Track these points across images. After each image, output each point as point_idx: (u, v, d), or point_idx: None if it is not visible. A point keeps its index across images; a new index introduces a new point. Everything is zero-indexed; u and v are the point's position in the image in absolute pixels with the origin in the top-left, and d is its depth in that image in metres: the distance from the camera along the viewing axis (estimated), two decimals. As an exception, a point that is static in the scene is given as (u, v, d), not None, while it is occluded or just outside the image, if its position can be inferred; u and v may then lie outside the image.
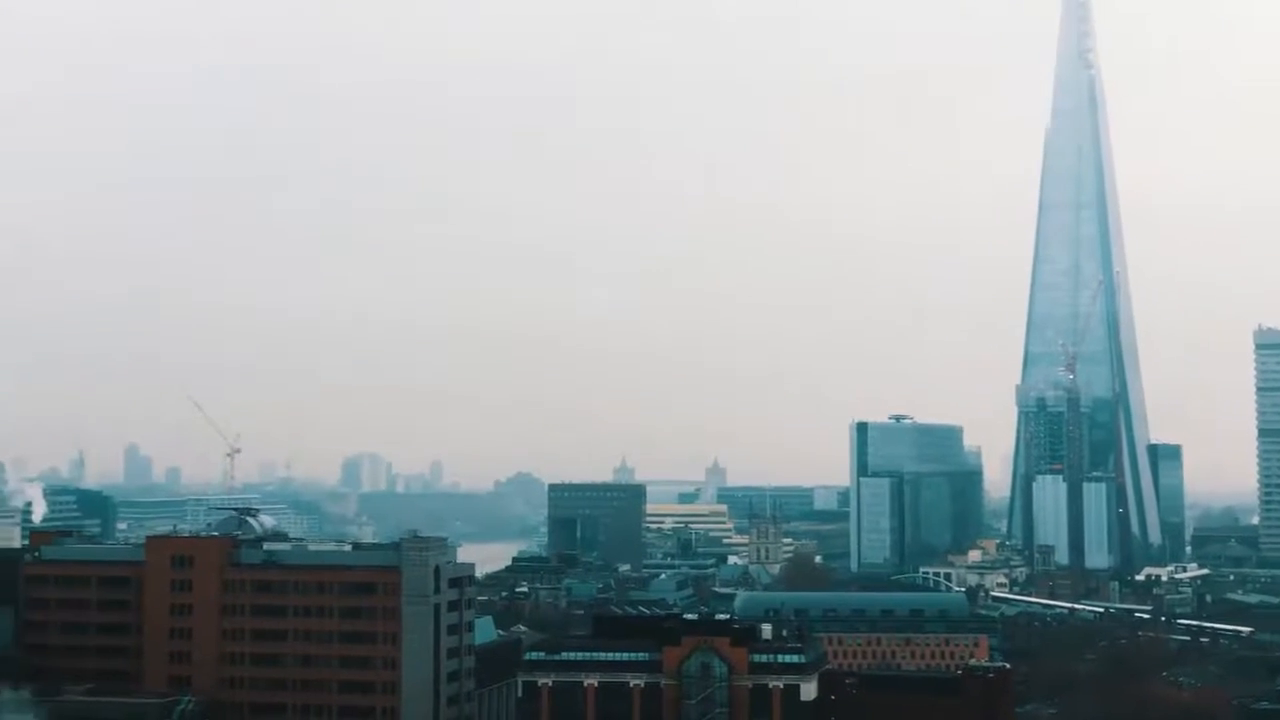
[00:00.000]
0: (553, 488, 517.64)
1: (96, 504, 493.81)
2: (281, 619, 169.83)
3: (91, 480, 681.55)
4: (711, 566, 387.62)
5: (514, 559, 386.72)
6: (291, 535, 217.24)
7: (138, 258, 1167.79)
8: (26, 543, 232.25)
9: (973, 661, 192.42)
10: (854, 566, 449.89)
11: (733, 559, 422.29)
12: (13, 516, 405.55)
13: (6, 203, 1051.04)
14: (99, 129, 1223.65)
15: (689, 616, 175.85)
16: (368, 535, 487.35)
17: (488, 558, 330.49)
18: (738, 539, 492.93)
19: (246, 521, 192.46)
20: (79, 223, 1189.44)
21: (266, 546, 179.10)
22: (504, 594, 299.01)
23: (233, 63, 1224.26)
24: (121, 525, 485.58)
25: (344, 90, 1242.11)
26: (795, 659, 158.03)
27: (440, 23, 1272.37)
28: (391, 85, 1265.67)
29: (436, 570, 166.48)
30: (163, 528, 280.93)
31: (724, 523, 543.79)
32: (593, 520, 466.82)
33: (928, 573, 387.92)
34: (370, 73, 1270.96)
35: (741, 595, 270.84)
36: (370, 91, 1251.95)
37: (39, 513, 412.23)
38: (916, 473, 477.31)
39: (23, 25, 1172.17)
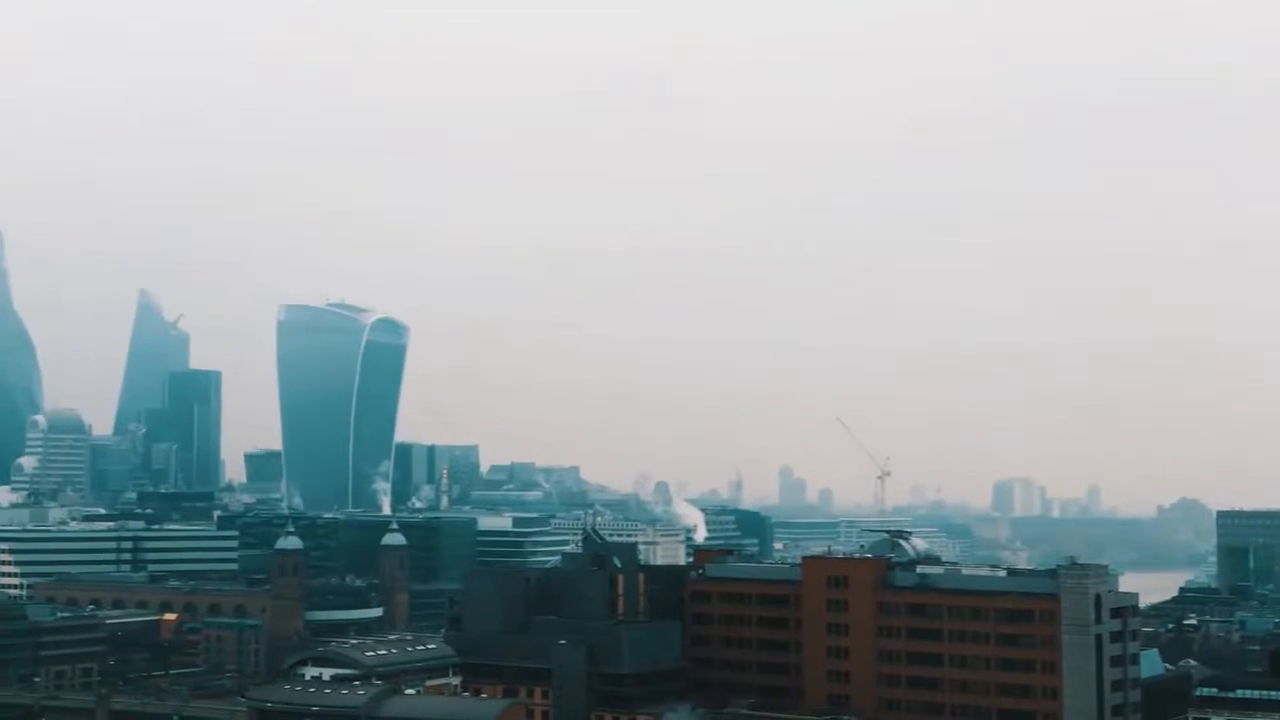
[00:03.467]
0: (1222, 514, 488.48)
1: (754, 524, 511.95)
2: (936, 643, 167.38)
3: (748, 501, 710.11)
4: None
5: (1181, 589, 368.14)
6: (944, 559, 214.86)
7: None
8: (691, 560, 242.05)
9: None
10: None
11: None
12: (678, 535, 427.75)
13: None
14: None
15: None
16: (1021, 561, 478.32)
17: (1151, 587, 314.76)
18: None
19: (899, 544, 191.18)
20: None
21: (919, 570, 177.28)
22: (1170, 626, 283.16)
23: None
24: (778, 545, 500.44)
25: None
26: None
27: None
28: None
29: (1097, 599, 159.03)
30: (817, 548, 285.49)
31: None
32: (1268, 550, 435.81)
33: None
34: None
35: None
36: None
37: (700, 532, 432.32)
38: None
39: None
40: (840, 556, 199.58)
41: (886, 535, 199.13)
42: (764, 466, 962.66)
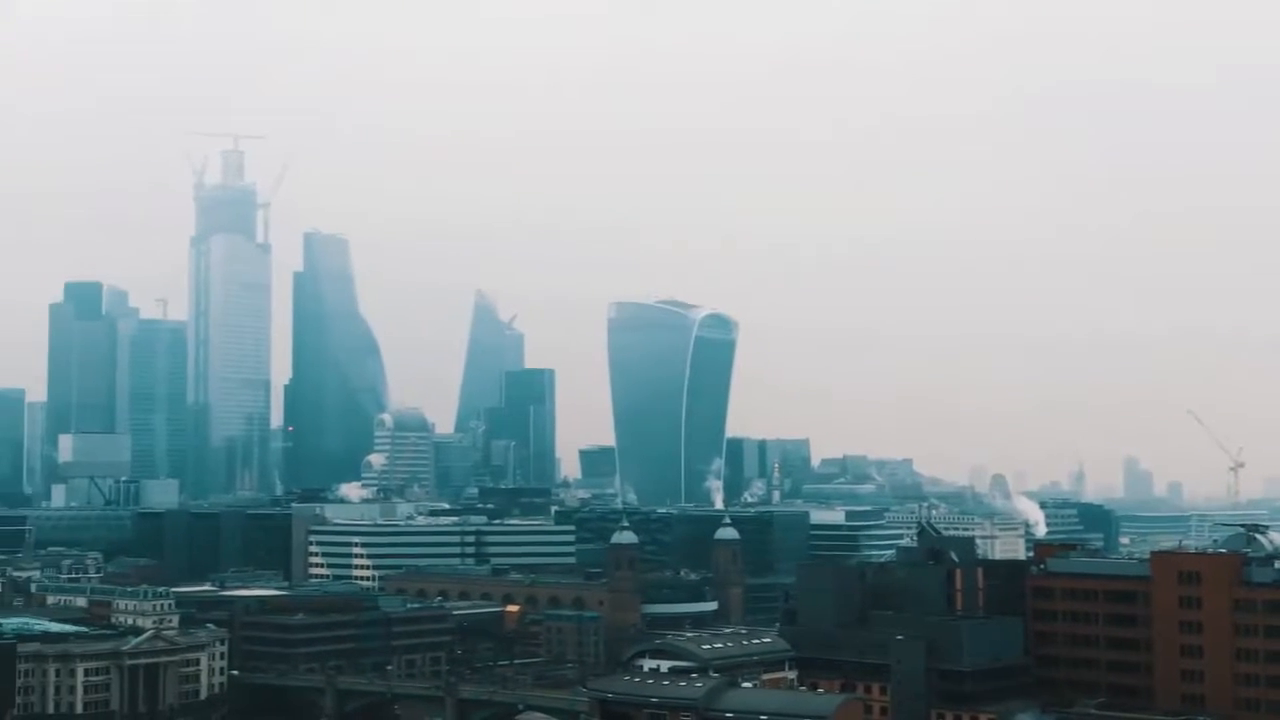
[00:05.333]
0: None
1: (1097, 518, 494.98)
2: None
3: (1091, 494, 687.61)
4: None
5: None
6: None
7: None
8: (1031, 555, 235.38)
9: None
10: None
11: None
12: (1017, 529, 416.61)
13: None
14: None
15: None
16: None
17: None
18: None
19: (1255, 539, 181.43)
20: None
21: (1278, 565, 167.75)
22: None
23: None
24: (1123, 539, 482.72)
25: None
26: None
27: None
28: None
29: None
30: (1166, 543, 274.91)
31: None
32: None
33: None
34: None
35: None
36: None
37: (1040, 526, 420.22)
38: None
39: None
40: (1192, 552, 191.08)
41: (1241, 529, 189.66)
42: (1107, 458, 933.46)
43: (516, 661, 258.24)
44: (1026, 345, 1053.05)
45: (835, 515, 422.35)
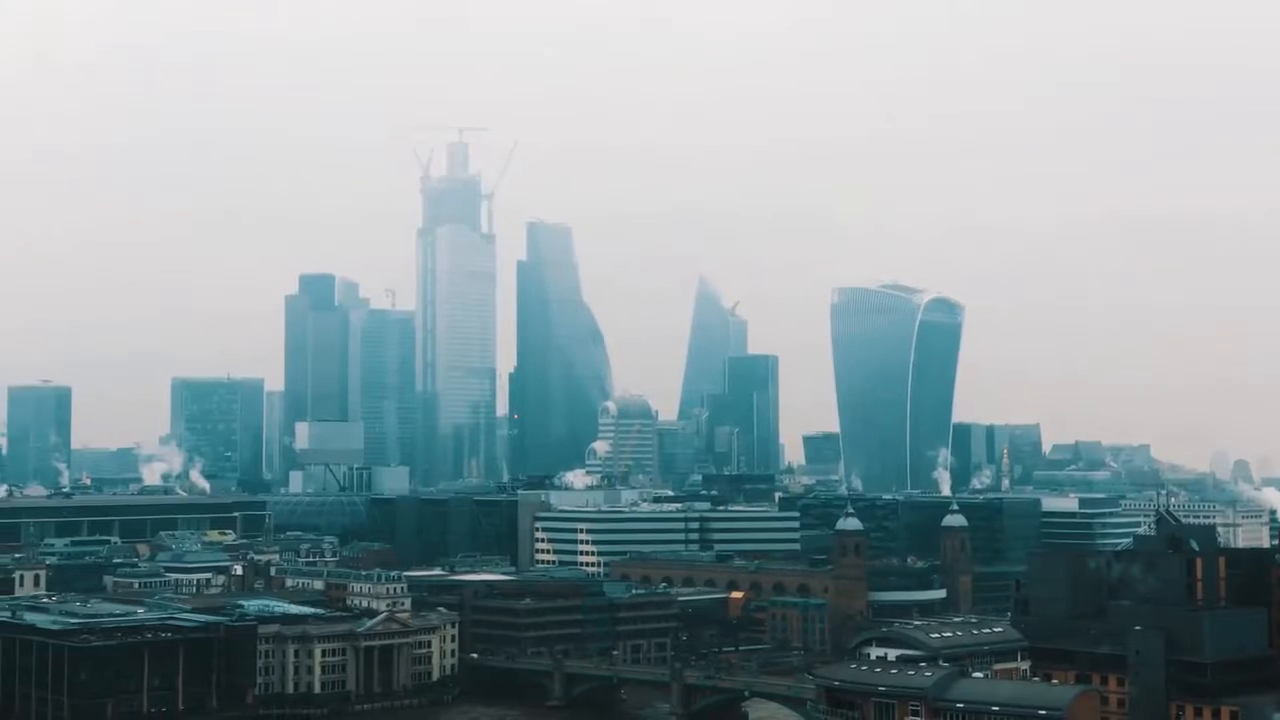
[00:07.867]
0: None
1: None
2: None
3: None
4: None
5: None
6: None
7: None
8: (1276, 543, 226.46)
9: None
10: None
11: None
12: (1261, 516, 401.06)
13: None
14: None
15: None
16: None
17: None
18: None
19: None
20: None
21: None
22: None
23: None
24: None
25: None
26: None
27: None
28: None
29: None
30: None
31: None
32: None
33: None
34: None
35: None
36: None
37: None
38: None
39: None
40: None
41: None
42: None
43: (741, 648, 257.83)
44: (1271, 328, 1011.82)
45: (1068, 502, 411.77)
